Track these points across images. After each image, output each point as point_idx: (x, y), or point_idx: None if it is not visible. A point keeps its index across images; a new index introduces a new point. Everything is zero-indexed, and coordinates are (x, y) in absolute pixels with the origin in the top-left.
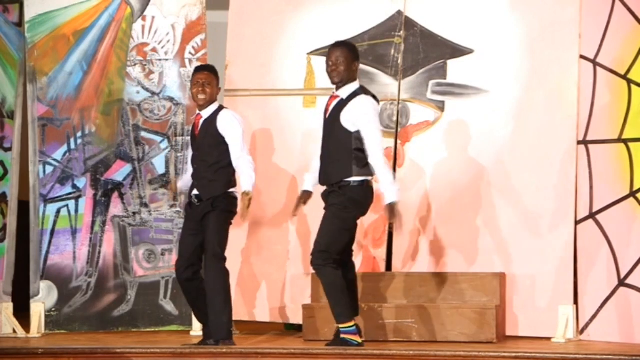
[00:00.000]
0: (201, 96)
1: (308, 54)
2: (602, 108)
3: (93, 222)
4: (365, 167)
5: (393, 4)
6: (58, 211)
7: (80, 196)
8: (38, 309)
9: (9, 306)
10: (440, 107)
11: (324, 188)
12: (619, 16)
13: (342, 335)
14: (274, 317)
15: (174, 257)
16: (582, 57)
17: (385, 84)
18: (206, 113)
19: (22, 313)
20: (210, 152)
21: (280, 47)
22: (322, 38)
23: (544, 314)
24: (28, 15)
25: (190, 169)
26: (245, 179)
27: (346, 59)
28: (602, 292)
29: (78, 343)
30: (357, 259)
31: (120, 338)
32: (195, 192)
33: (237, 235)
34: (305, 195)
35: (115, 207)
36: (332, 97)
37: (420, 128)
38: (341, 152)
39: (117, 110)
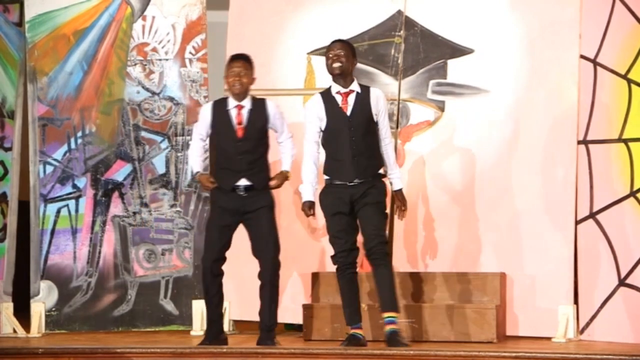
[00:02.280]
0: (237, 85)
1: (308, 53)
2: (602, 108)
3: (93, 222)
4: (381, 159)
5: (393, 3)
6: (58, 211)
7: (80, 196)
8: (38, 308)
9: (9, 306)
10: (441, 107)
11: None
12: (619, 16)
13: (393, 327)
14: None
15: (174, 257)
16: (582, 57)
17: (386, 83)
18: (247, 103)
19: (22, 313)
20: (258, 142)
21: (280, 46)
22: (322, 38)
23: (544, 314)
24: (28, 15)
25: (197, 156)
26: (287, 159)
27: (347, 53)
28: (602, 292)
29: (78, 343)
30: (357, 259)
31: (121, 338)
32: (243, 182)
33: (238, 235)
34: (314, 206)
35: (116, 207)
36: (345, 94)
37: (421, 128)
38: (375, 144)
39: (117, 110)
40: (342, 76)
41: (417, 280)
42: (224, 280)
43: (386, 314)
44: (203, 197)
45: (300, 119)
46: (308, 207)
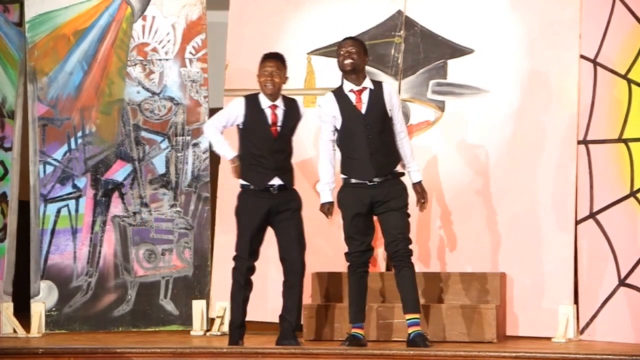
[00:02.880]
0: (269, 85)
1: (308, 53)
2: (602, 108)
3: (93, 222)
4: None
5: (393, 3)
6: (58, 211)
7: (80, 196)
8: (38, 308)
9: (9, 306)
10: (441, 106)
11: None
12: (619, 16)
13: (418, 329)
14: (274, 317)
15: (174, 257)
16: (582, 57)
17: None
18: (281, 103)
19: (22, 313)
20: (289, 141)
21: (280, 46)
22: (322, 38)
23: (544, 314)
24: (28, 15)
25: (224, 141)
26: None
27: (358, 49)
28: (602, 292)
29: (78, 343)
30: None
31: (121, 338)
32: (275, 181)
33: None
34: (333, 207)
35: (116, 207)
36: (358, 91)
37: (421, 128)
38: (391, 140)
39: (117, 110)
40: (354, 73)
41: (417, 280)
42: (225, 279)
43: (410, 316)
44: (203, 197)
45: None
46: (327, 209)
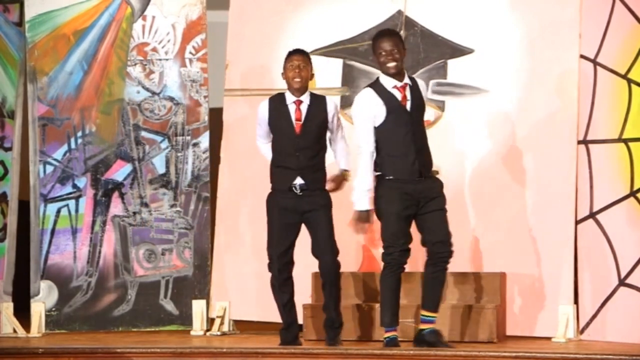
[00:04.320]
0: (297, 79)
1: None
2: (602, 108)
3: (93, 222)
4: None
5: (393, 3)
6: (58, 211)
7: (80, 196)
8: (38, 308)
9: (9, 306)
10: (441, 106)
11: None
12: (619, 16)
13: (433, 326)
14: (274, 317)
15: (174, 257)
16: (582, 57)
17: None
18: (306, 98)
19: (22, 313)
20: (316, 140)
21: (280, 46)
22: (322, 38)
23: (544, 314)
24: (28, 15)
25: (266, 144)
26: (344, 156)
27: (400, 48)
28: (602, 292)
29: (78, 343)
30: (358, 259)
31: (121, 338)
32: (299, 181)
33: (238, 235)
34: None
35: (116, 207)
36: (402, 87)
37: None
38: (426, 138)
39: (117, 110)
40: (398, 69)
41: (416, 280)
42: (226, 279)
43: (428, 313)
44: (203, 197)
45: None
46: (367, 217)
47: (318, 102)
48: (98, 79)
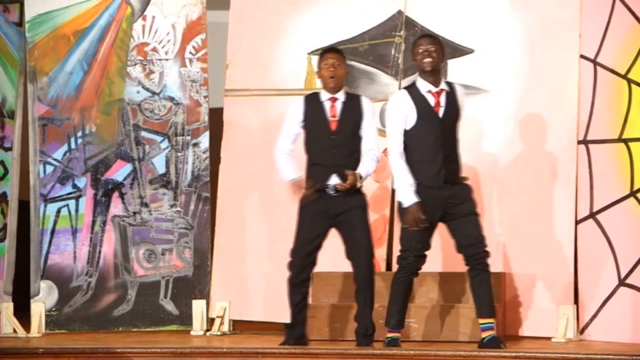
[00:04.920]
0: (332, 77)
1: (308, 53)
2: (602, 108)
3: (93, 222)
4: None
5: (393, 3)
6: (58, 211)
7: (80, 196)
8: (38, 308)
9: (9, 306)
10: None
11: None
12: (619, 16)
13: (492, 332)
14: (274, 317)
15: (174, 257)
16: (582, 57)
17: (386, 83)
18: (342, 96)
19: (22, 313)
20: (352, 138)
21: (280, 46)
22: (323, 38)
23: (544, 314)
24: (28, 15)
25: (285, 156)
26: (367, 164)
27: (437, 47)
28: (602, 292)
29: (78, 343)
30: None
31: (121, 338)
32: (334, 180)
33: (238, 235)
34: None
35: (116, 207)
36: (437, 93)
37: None
38: (457, 145)
39: (117, 110)
40: (432, 73)
41: (416, 280)
42: (225, 279)
43: (484, 320)
44: (203, 197)
45: None
46: (417, 209)
47: (354, 100)
48: (98, 79)
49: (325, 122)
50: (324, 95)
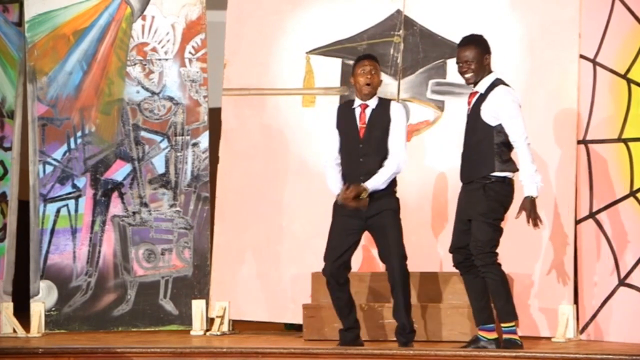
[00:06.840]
0: (368, 84)
1: (307, 53)
2: (602, 108)
3: (93, 222)
4: (507, 162)
5: (392, 3)
6: (58, 211)
7: (80, 196)
8: (38, 308)
9: (9, 306)
10: (440, 106)
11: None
12: (619, 16)
13: (509, 336)
14: (274, 317)
15: (174, 257)
16: (582, 57)
17: (385, 83)
18: (373, 102)
19: (22, 313)
20: (381, 144)
21: (279, 46)
22: (321, 37)
23: (544, 314)
24: (28, 15)
25: (333, 167)
26: (378, 177)
27: (476, 56)
28: (602, 292)
29: (78, 343)
30: (357, 259)
31: (120, 338)
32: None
33: (238, 235)
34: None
35: (115, 207)
36: (472, 94)
37: (420, 128)
38: (482, 146)
39: (117, 110)
40: (473, 82)
41: (416, 280)
42: (225, 279)
43: (503, 324)
44: (203, 196)
45: (299, 118)
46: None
47: (383, 106)
48: (98, 79)
49: (355, 129)
50: (357, 102)
